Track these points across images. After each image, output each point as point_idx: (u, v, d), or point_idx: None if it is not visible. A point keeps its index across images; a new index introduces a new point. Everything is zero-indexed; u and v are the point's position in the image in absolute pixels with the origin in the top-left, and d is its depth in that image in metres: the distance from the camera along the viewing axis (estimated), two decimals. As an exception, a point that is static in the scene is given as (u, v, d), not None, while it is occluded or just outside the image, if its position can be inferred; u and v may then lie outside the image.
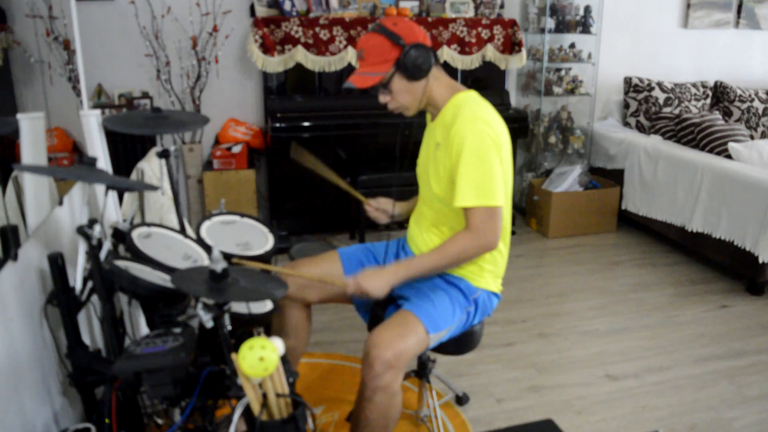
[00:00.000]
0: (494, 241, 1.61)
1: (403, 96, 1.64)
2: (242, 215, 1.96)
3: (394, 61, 1.58)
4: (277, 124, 3.46)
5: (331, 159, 3.83)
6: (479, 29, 3.82)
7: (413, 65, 1.58)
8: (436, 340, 1.66)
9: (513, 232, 4.07)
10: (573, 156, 4.40)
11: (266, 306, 1.65)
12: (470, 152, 1.56)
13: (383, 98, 1.66)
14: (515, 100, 4.41)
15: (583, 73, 4.32)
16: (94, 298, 1.58)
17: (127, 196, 2.24)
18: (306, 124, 3.53)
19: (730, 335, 2.83)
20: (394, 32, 1.57)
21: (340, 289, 1.85)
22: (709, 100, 4.48)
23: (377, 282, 1.58)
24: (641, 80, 4.33)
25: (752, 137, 3.97)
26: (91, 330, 1.86)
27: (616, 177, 4.15)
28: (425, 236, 1.78)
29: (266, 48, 3.46)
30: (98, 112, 1.86)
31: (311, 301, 1.88)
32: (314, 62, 3.57)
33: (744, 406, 2.30)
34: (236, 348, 1.17)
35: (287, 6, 3.55)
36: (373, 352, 1.52)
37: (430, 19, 3.73)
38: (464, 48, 3.83)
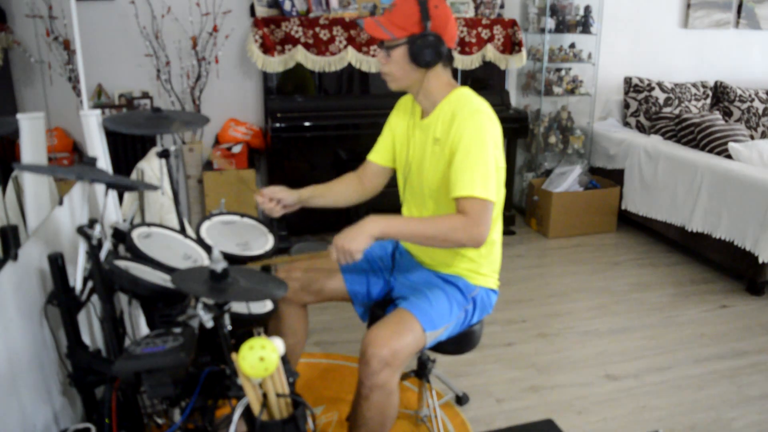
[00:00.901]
0: (484, 235, 1.54)
1: (397, 67, 1.63)
2: (242, 215, 1.96)
3: (410, 34, 1.58)
4: (277, 124, 3.46)
5: (331, 159, 3.83)
6: (479, 29, 3.82)
7: (419, 52, 1.58)
8: (434, 338, 1.66)
9: (513, 232, 4.08)
10: (573, 156, 4.40)
11: (266, 306, 1.65)
12: (473, 145, 1.56)
13: (380, 57, 1.65)
14: (515, 100, 4.41)
15: (583, 73, 4.32)
16: (94, 298, 1.58)
17: (127, 196, 2.24)
18: (306, 124, 3.53)
19: (730, 335, 2.83)
20: (429, 12, 1.57)
21: (337, 288, 1.85)
22: (709, 100, 4.48)
23: (352, 234, 1.51)
24: (641, 80, 4.33)
25: (752, 137, 3.98)
26: (91, 330, 1.86)
27: (616, 177, 4.15)
28: None
29: (266, 48, 3.46)
30: (98, 112, 1.86)
31: (308, 302, 1.88)
32: (314, 62, 3.56)
33: (744, 406, 2.30)
34: (236, 348, 1.17)
35: (287, 6, 3.55)
36: (370, 350, 1.52)
37: (430, 19, 3.73)
38: (464, 48, 3.83)
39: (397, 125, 1.84)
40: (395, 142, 1.85)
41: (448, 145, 1.62)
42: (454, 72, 3.90)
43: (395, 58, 1.62)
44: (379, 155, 1.90)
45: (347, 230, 1.53)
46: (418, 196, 1.76)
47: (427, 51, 1.58)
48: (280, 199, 1.81)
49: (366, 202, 1.97)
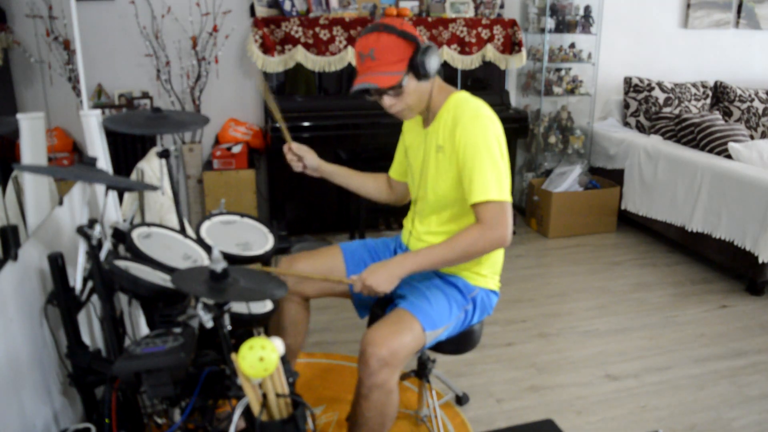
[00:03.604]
0: (506, 236, 1.57)
1: (412, 97, 1.61)
2: (242, 215, 1.96)
3: (408, 59, 1.56)
4: (277, 124, 3.46)
5: (331, 159, 3.82)
6: (479, 29, 3.82)
7: (423, 65, 1.56)
8: (433, 338, 1.66)
9: (513, 232, 4.06)
10: (573, 156, 4.40)
11: (266, 306, 1.65)
12: (480, 150, 1.56)
13: (389, 101, 1.62)
14: (515, 100, 4.42)
15: (583, 73, 4.33)
16: (94, 298, 1.58)
17: (127, 196, 2.24)
18: (306, 124, 3.53)
19: (730, 335, 2.83)
20: (405, 32, 1.55)
21: (341, 285, 1.85)
22: (709, 100, 4.48)
23: (383, 277, 1.54)
24: (641, 80, 4.33)
25: (752, 137, 3.98)
26: (91, 330, 1.86)
27: (616, 177, 4.15)
28: (434, 239, 1.77)
29: (266, 48, 3.46)
30: (98, 112, 1.86)
31: (310, 295, 1.88)
32: (314, 62, 3.57)
33: (744, 406, 2.30)
34: (236, 348, 1.17)
35: (287, 6, 3.55)
36: (369, 350, 1.52)
37: (430, 19, 3.73)
38: (464, 48, 3.83)
39: (406, 139, 1.88)
40: (407, 156, 1.88)
41: (453, 153, 1.62)
42: (454, 72, 3.91)
43: (408, 91, 1.59)
44: (394, 170, 1.98)
45: (377, 270, 1.55)
46: (430, 202, 1.76)
47: (432, 60, 1.57)
48: (303, 157, 1.86)
49: (363, 199, 2.01)
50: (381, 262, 1.59)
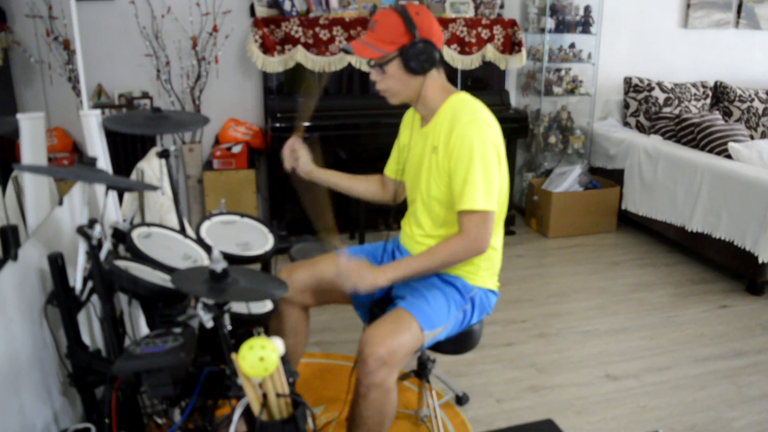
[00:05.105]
0: (485, 246, 1.61)
1: (394, 82, 1.64)
2: (242, 215, 1.96)
3: (400, 46, 1.58)
4: (277, 124, 3.46)
5: (331, 159, 3.83)
6: (479, 29, 3.82)
7: (416, 59, 1.58)
8: (431, 338, 1.66)
9: (513, 232, 4.08)
10: (573, 156, 4.40)
11: (266, 306, 1.65)
12: (474, 157, 1.56)
13: (375, 76, 1.67)
14: (515, 100, 4.42)
15: (583, 73, 4.33)
16: (94, 298, 1.58)
17: (127, 196, 2.24)
18: (306, 124, 3.53)
19: (730, 335, 2.83)
20: (413, 20, 1.57)
21: (339, 291, 1.85)
22: (709, 100, 4.48)
23: (368, 280, 1.56)
24: (641, 80, 4.33)
25: (752, 137, 3.97)
26: (91, 330, 1.86)
27: (616, 177, 4.15)
28: (429, 241, 1.77)
29: (266, 48, 3.46)
30: (98, 112, 1.86)
31: (310, 304, 1.88)
32: (314, 62, 3.57)
33: (744, 406, 2.30)
34: (236, 348, 1.17)
35: (287, 6, 3.55)
36: (367, 350, 1.52)
37: (430, 19, 3.73)
38: (464, 48, 3.83)
39: (403, 137, 1.88)
40: (404, 155, 1.87)
41: (447, 154, 1.62)
42: (454, 72, 3.91)
43: (391, 73, 1.62)
44: (389, 169, 1.97)
45: (365, 271, 1.56)
46: (424, 203, 1.76)
47: (421, 58, 1.58)
48: (299, 157, 1.89)
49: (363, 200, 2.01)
50: (375, 266, 1.60)
